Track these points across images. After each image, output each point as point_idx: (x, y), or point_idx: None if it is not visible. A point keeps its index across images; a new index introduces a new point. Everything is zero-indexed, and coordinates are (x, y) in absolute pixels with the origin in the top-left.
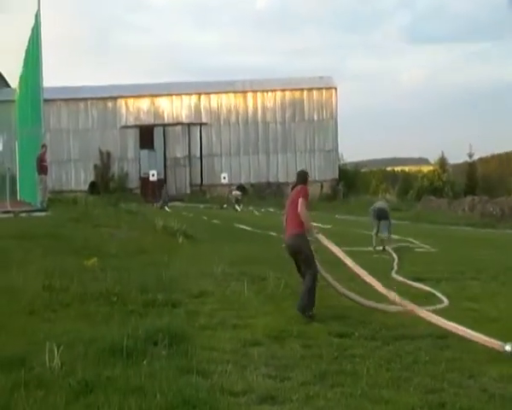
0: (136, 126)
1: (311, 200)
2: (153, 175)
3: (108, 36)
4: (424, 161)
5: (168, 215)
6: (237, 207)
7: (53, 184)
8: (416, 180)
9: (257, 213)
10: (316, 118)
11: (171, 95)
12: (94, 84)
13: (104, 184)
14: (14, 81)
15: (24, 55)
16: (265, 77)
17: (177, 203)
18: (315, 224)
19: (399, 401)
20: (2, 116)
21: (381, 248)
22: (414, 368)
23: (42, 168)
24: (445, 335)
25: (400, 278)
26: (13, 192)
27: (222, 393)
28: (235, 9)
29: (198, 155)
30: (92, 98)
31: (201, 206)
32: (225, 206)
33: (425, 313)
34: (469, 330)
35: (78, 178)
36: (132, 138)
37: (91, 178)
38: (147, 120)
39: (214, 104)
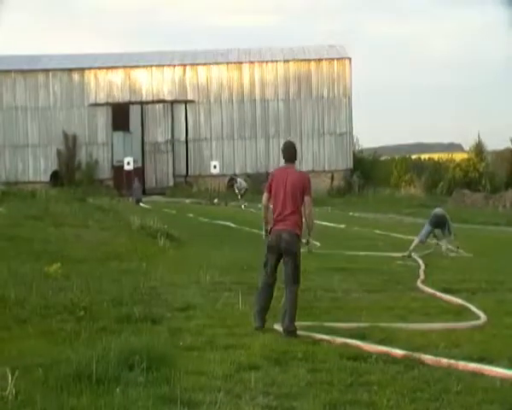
0: (107, 104)
1: (319, 195)
2: (128, 163)
3: None
4: (456, 148)
5: (147, 212)
6: (242, 202)
7: (6, 175)
8: (446, 171)
9: (253, 210)
10: (326, 95)
11: (150, 66)
12: (57, 52)
13: (69, 174)
14: None
15: None
16: (264, 45)
17: (158, 198)
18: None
19: None
20: None
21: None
22: (443, 399)
23: None
24: (484, 357)
25: (427, 289)
26: None
27: None
28: None
29: (183, 139)
30: (55, 70)
31: (187, 201)
32: (216, 201)
33: None
34: None
35: (38, 167)
36: (103, 119)
37: (53, 166)
38: (121, 96)
39: (202, 78)
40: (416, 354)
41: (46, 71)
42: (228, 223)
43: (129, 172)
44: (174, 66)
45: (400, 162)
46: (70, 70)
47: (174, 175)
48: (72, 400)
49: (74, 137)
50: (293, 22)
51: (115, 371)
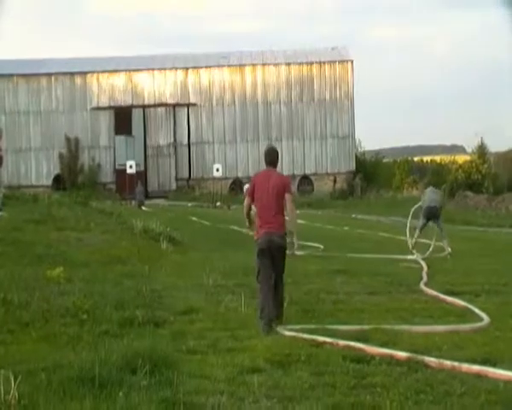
0: (110, 108)
1: (322, 197)
2: (130, 167)
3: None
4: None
5: (149, 216)
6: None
7: (9, 178)
8: (449, 173)
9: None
10: (328, 97)
11: (152, 70)
12: (59, 56)
13: (71, 177)
14: None
15: None
16: (267, 48)
17: (161, 201)
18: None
19: None
20: None
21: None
22: (447, 401)
23: None
24: (487, 359)
25: (431, 292)
26: None
27: None
28: None
29: (185, 142)
30: (57, 74)
31: (189, 204)
32: (219, 204)
33: None
34: None
35: (40, 171)
36: (106, 122)
37: (56, 170)
38: (123, 100)
39: (204, 81)
40: (420, 357)
41: (48, 75)
42: (231, 226)
43: (131, 175)
44: (176, 69)
45: (402, 164)
46: (72, 74)
47: (176, 178)
48: (74, 404)
49: (77, 141)
50: (295, 26)
51: (118, 375)
